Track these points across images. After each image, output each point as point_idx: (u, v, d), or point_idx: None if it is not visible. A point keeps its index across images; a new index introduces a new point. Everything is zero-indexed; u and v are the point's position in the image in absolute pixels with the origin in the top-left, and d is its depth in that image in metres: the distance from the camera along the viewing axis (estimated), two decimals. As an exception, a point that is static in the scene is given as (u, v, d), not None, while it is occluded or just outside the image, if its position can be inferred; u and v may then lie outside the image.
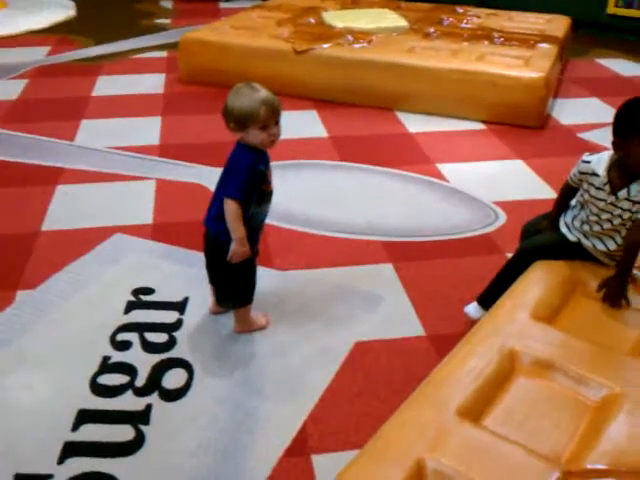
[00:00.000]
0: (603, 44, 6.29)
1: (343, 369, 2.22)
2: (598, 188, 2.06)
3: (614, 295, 2.02)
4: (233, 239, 2.11)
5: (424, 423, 1.53)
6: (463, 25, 5.33)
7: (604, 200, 2.04)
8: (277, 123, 2.10)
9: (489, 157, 3.87)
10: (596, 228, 2.11)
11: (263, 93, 2.06)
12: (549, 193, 3.37)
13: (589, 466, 1.44)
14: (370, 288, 2.64)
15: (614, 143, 2.00)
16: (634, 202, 2.00)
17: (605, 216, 2.07)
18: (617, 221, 2.05)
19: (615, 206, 2.03)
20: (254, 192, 2.12)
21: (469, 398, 1.60)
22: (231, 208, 2.08)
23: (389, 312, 2.51)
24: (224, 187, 2.12)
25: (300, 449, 1.91)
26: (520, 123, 4.23)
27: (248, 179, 2.09)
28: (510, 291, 2.06)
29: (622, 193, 2.01)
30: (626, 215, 2.03)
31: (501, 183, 3.56)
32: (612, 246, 2.10)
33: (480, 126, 4.29)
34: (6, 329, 2.37)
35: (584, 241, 2.15)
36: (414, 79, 4.40)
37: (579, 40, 6.07)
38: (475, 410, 1.59)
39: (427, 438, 1.49)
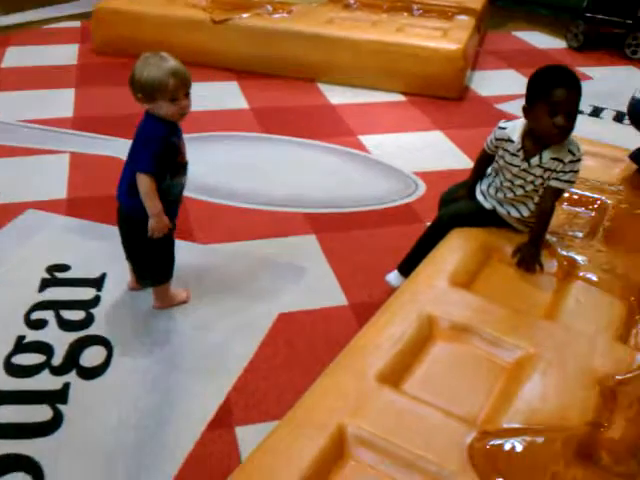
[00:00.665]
0: (520, 17, 6.43)
1: (266, 341, 2.22)
2: (512, 154, 2.10)
3: (528, 260, 2.08)
4: (150, 215, 2.06)
5: (344, 390, 1.55)
6: (383, -4, 5.33)
7: (517, 166, 2.10)
8: (187, 95, 2.04)
9: (409, 128, 3.91)
10: (509, 195, 2.16)
11: (172, 63, 2.00)
12: (467, 163, 3.43)
13: (504, 425, 1.49)
14: (293, 260, 2.64)
15: (523, 109, 2.06)
16: (545, 169, 2.05)
17: (518, 182, 2.12)
18: (529, 187, 2.11)
19: (528, 172, 2.08)
20: (167, 165, 2.06)
21: (388, 364, 1.62)
22: (144, 183, 2.02)
23: (312, 283, 2.52)
24: (135, 161, 2.06)
25: (223, 421, 1.90)
26: (439, 94, 4.29)
27: (160, 152, 2.02)
28: (428, 258, 2.10)
29: (534, 160, 2.06)
30: (538, 182, 2.09)
31: (421, 154, 3.61)
32: (525, 213, 2.16)
33: (400, 97, 4.32)
34: None
35: (499, 208, 2.21)
36: (334, 50, 4.39)
37: (497, 13, 6.18)
38: (394, 375, 1.61)
39: (347, 405, 1.50)
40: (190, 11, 4.66)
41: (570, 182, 2.06)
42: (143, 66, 2.00)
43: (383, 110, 4.15)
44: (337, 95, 4.30)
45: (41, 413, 1.91)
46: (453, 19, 4.79)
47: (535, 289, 2.03)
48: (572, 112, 1.98)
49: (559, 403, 1.55)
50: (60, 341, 2.17)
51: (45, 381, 2.02)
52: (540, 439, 1.44)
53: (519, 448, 1.41)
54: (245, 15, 4.60)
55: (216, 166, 3.34)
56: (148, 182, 2.02)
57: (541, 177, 2.07)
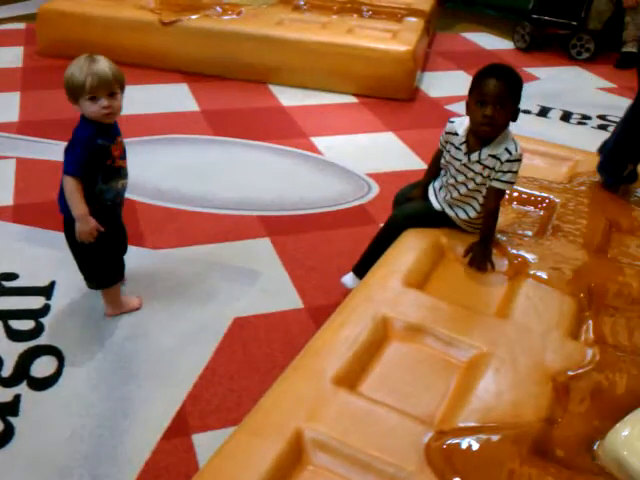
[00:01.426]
0: (468, 19, 6.53)
1: (222, 346, 2.20)
2: (457, 148, 2.15)
3: (479, 260, 2.12)
4: (75, 217, 2.03)
5: (301, 394, 1.54)
6: (333, -2, 5.35)
7: (460, 160, 2.13)
8: (113, 95, 2.00)
9: (361, 130, 3.93)
10: (455, 194, 2.19)
11: (98, 64, 1.98)
12: (419, 164, 3.47)
13: (460, 424, 1.51)
14: (247, 263, 2.63)
15: (465, 104, 2.11)
16: (484, 166, 2.09)
17: (461, 178, 2.15)
18: (471, 185, 2.14)
19: (468, 168, 2.12)
20: (96, 168, 2.03)
21: (344, 366, 1.63)
22: (67, 184, 2.00)
23: (267, 286, 2.51)
24: (64, 163, 2.04)
25: (180, 429, 1.88)
26: (390, 96, 4.32)
27: (84, 154, 2.00)
28: (382, 259, 2.11)
29: (474, 155, 2.10)
30: (478, 179, 2.12)
31: (373, 155, 3.63)
32: (472, 214, 2.19)
33: (352, 99, 4.34)
34: None
35: (448, 210, 2.23)
36: (285, 52, 4.38)
37: (445, 14, 6.27)
38: (351, 377, 1.61)
39: (304, 408, 1.50)
40: (138, 12, 4.60)
41: (510, 183, 2.09)
42: (70, 67, 2.00)
43: (335, 112, 4.16)
44: (288, 97, 4.30)
45: (-9, 427, 1.86)
46: (402, 21, 4.83)
47: (487, 288, 2.07)
48: (502, 104, 2.01)
49: (513, 400, 1.58)
50: (9, 352, 2.11)
51: (-6, 394, 1.96)
52: (495, 437, 1.46)
53: (475, 447, 1.43)
54: (194, 16, 4.56)
55: (167, 169, 3.30)
56: (70, 184, 1.99)
57: (480, 175, 2.10)
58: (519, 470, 1.38)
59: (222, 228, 2.85)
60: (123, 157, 2.12)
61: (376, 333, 1.76)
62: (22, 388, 1.99)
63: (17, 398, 1.95)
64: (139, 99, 4.06)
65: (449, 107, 4.30)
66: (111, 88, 2.00)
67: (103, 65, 1.99)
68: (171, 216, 2.91)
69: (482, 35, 6.03)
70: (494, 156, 2.07)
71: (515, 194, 2.51)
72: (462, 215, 2.21)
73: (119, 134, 2.11)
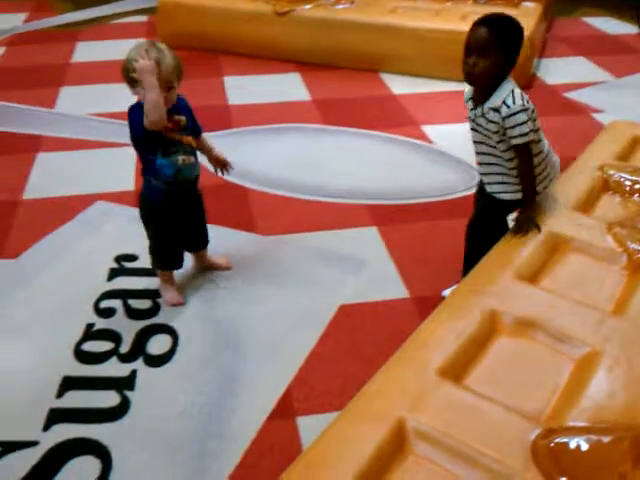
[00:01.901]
0: (589, 2, 6.22)
1: (327, 332, 2.22)
2: (470, 108, 2.09)
3: (524, 224, 2.07)
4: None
5: (405, 383, 1.54)
6: (447, -15, 5.24)
7: (471, 118, 2.08)
8: (170, 89, 2.04)
9: (474, 118, 3.84)
10: (483, 169, 2.15)
11: (163, 55, 2.02)
12: (534, 153, 3.36)
13: (570, 423, 1.45)
14: (354, 252, 2.64)
15: None
16: (489, 120, 2.01)
17: (477, 138, 2.10)
18: (486, 148, 2.09)
19: (477, 124, 2.07)
20: (153, 141, 2.09)
21: (450, 358, 1.60)
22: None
23: (373, 275, 2.51)
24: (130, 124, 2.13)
25: (285, 411, 1.92)
26: (505, 83, 4.19)
27: (133, 135, 2.11)
28: (492, 251, 2.06)
29: (478, 110, 2.04)
30: (492, 141, 2.05)
31: (486, 144, 3.54)
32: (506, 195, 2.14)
33: (465, 87, 4.24)
34: (-12, 299, 2.36)
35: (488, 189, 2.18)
36: (398, 39, 4.35)
37: (564, -2, 6.01)
38: (456, 370, 1.59)
39: (408, 398, 1.49)
40: (253, 4, 4.70)
41: (523, 135, 2.00)
42: (132, 52, 2.03)
43: (447, 99, 4.09)
44: (400, 85, 4.27)
45: (109, 399, 1.97)
46: (519, 6, 4.67)
47: (604, 283, 1.97)
48: (482, 53, 1.94)
49: (626, 401, 1.51)
50: (128, 329, 2.23)
51: (113, 368, 2.08)
52: (607, 438, 1.40)
53: (585, 447, 1.38)
54: (308, 6, 4.61)
55: (278, 158, 3.36)
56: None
57: (489, 132, 2.03)
58: (631, 474, 1.31)
59: (331, 216, 2.87)
60: (180, 132, 2.13)
61: (484, 326, 1.73)
62: (138, 364, 2.10)
63: (133, 373, 2.06)
64: (252, 89, 4.17)
65: (568, 94, 4.12)
66: (171, 82, 2.04)
67: (167, 57, 2.02)
68: (281, 203, 2.96)
69: (604, 19, 5.73)
70: (495, 109, 1.99)
71: (637, 186, 2.38)
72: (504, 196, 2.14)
73: (177, 112, 2.12)
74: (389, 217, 2.87)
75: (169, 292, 2.36)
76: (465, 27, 4.23)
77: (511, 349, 1.70)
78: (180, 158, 2.15)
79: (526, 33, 4.03)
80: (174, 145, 2.13)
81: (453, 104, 4.03)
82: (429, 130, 3.67)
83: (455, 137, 3.60)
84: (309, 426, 1.86)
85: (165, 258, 2.34)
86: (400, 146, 3.51)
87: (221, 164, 2.37)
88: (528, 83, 4.26)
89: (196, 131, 2.24)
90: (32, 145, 3.47)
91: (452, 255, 2.54)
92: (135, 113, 2.08)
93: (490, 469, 1.34)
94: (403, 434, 1.42)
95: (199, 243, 2.42)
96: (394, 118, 3.83)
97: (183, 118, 2.14)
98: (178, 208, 2.24)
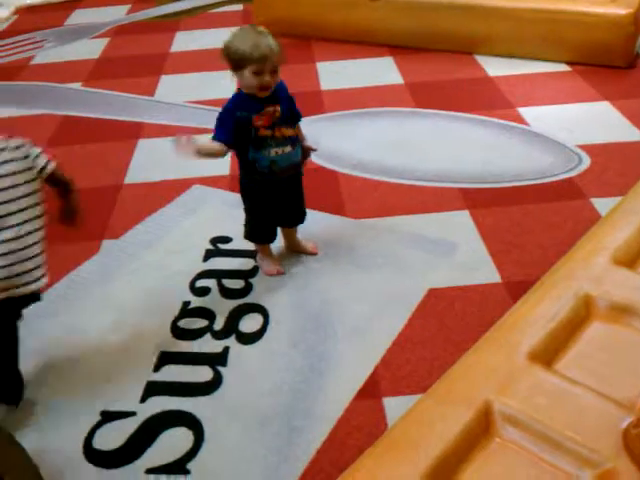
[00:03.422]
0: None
1: (416, 315, 2.22)
2: None
3: None
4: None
5: (493, 366, 1.52)
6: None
7: None
8: (274, 72, 2.07)
9: (573, 99, 3.71)
10: None
11: (268, 39, 2.04)
12: (638, 136, 3.22)
13: (665, 412, 1.40)
14: (445, 235, 2.61)
15: None
16: None
17: None
18: None
19: None
20: (243, 136, 2.13)
21: (541, 342, 1.57)
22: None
23: (464, 259, 2.48)
24: None
25: (372, 392, 1.94)
26: (606, 63, 4.01)
27: (226, 123, 2.13)
28: (589, 234, 1.99)
29: None
30: None
31: (586, 126, 3.41)
32: None
33: (564, 67, 4.10)
34: (93, 276, 2.50)
35: None
36: (494, 20, 4.23)
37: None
38: (546, 354, 1.56)
39: (496, 380, 1.47)
40: (347, -11, 4.69)
41: None
42: (236, 36, 2.07)
43: (544, 81, 3.96)
44: (495, 67, 4.16)
45: (203, 374, 2.05)
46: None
47: None
48: None
49: None
50: (221, 308, 2.31)
51: (207, 344, 2.16)
52: None
53: (682, 437, 1.32)
54: (401, -10, 4.56)
55: (369, 142, 3.36)
56: (213, 144, 2.14)
57: None
58: None
59: (422, 200, 2.85)
60: (272, 126, 2.14)
61: (577, 311, 1.68)
62: (231, 341, 2.17)
63: (226, 350, 2.13)
64: (346, 74, 4.18)
65: (675, 74, 3.92)
66: (275, 65, 2.06)
67: (271, 41, 2.04)
68: (372, 187, 2.97)
69: None
70: None
71: None
72: None
73: (274, 102, 2.14)
74: (482, 200, 2.82)
75: (265, 263, 2.44)
76: (565, 5, 4.14)
77: (605, 335, 1.65)
78: (273, 150, 2.17)
79: (630, 10, 3.89)
80: (264, 139, 2.16)
81: (550, 85, 3.91)
82: (525, 112, 3.57)
83: (553, 119, 3.49)
84: (395, 407, 1.87)
85: (258, 233, 2.41)
86: (495, 128, 3.43)
87: (305, 156, 2.34)
88: (631, 63, 4.06)
89: (294, 117, 2.25)
90: (134, 131, 3.62)
91: (546, 240, 2.48)
92: (229, 103, 2.14)
93: (579, 455, 1.31)
94: (489, 417, 1.41)
95: (293, 220, 2.47)
96: (489, 100, 3.75)
97: (278, 109, 2.15)
98: (275, 192, 2.29)
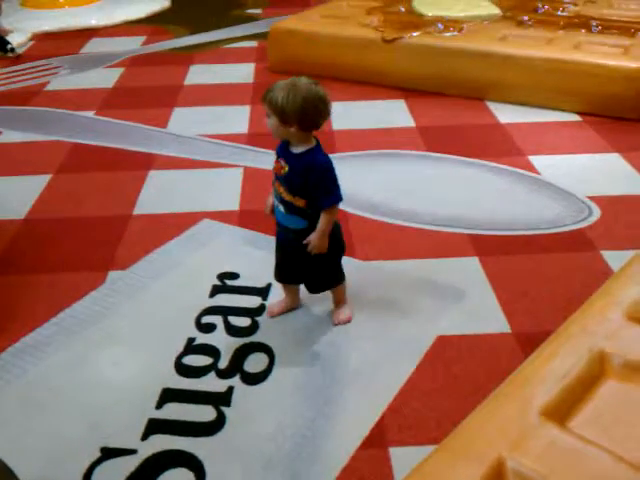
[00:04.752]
0: None
1: (424, 363, 2.19)
2: None
3: None
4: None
5: (506, 421, 1.49)
6: (559, 13, 5.13)
7: None
8: (267, 115, 2.07)
9: (584, 150, 3.72)
10: None
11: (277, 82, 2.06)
12: (649, 189, 3.23)
13: (682, 477, 1.37)
14: (454, 282, 2.59)
15: None
16: None
17: None
18: None
19: None
20: None
21: (554, 398, 1.54)
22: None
23: (473, 307, 2.46)
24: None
25: (378, 440, 1.90)
26: (618, 115, 4.04)
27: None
28: (603, 288, 1.98)
29: None
30: None
31: (596, 177, 3.42)
32: None
33: (575, 117, 4.12)
34: (97, 308, 2.47)
35: None
36: (506, 68, 4.28)
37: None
38: (560, 411, 1.53)
39: (509, 437, 1.44)
40: (362, 30, 4.75)
41: None
42: (301, 90, 2.01)
43: (556, 130, 3.98)
44: (507, 114, 4.19)
45: (206, 413, 2.01)
46: (636, 35, 4.51)
47: None
48: None
49: None
50: (227, 345, 2.28)
51: (211, 383, 2.12)
52: None
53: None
54: (416, 34, 4.61)
55: (380, 183, 3.37)
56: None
57: None
58: None
59: (431, 244, 2.84)
60: (276, 177, 2.15)
61: (591, 368, 1.65)
62: (235, 381, 2.13)
63: (230, 390, 2.10)
64: (358, 114, 4.21)
65: None
66: (267, 110, 2.08)
67: (273, 86, 2.05)
68: (382, 229, 2.96)
69: None
70: None
71: None
72: None
73: (286, 161, 2.11)
74: (491, 248, 2.81)
75: (275, 300, 2.44)
76: (578, 57, 4.18)
77: (620, 394, 1.62)
78: (274, 198, 2.19)
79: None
80: (274, 182, 2.17)
81: (561, 135, 3.92)
82: (536, 160, 3.58)
83: (564, 168, 3.50)
84: (402, 457, 1.83)
85: (275, 267, 2.37)
86: (505, 176, 3.44)
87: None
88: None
89: (306, 195, 2.08)
90: (145, 162, 3.63)
91: (556, 291, 2.46)
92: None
93: (595, 520, 1.28)
94: (502, 474, 1.37)
95: (294, 279, 2.38)
96: (500, 147, 3.76)
97: (285, 168, 2.08)
98: (281, 240, 2.28)
